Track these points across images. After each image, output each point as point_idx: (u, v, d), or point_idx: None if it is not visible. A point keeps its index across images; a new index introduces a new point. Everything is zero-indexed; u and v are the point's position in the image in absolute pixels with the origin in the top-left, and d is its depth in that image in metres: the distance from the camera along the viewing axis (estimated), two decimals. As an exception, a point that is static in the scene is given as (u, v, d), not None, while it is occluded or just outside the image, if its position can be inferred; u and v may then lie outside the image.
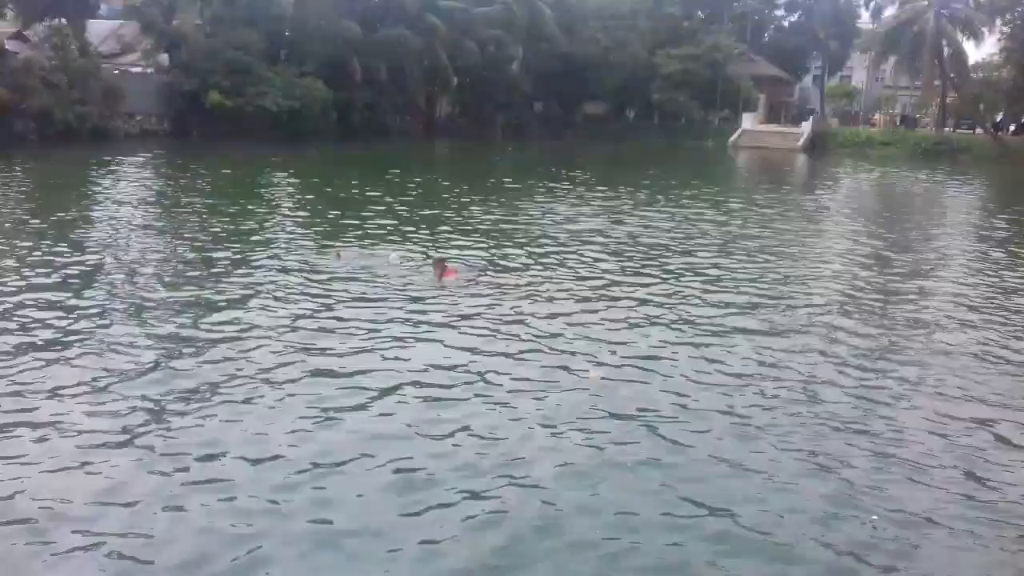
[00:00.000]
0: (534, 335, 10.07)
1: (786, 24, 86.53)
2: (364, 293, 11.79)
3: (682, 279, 13.81)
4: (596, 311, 11.41)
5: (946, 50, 60.57)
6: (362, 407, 7.67)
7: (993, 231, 22.63)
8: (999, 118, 67.96)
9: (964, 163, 51.44)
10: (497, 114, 62.09)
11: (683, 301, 12.22)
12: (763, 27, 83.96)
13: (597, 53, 63.91)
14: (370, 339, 9.66)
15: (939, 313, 12.27)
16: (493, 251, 15.54)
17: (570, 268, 14.29)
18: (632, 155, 47.33)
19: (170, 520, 5.65)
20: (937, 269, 16.27)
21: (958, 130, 65.70)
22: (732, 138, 58.78)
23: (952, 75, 61.88)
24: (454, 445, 6.95)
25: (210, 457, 6.58)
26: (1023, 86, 56.76)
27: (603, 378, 8.63)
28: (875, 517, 5.99)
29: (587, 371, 8.78)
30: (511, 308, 11.29)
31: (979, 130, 63.61)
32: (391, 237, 16.55)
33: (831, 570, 5.39)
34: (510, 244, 16.36)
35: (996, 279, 15.15)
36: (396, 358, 9.05)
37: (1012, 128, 66.60)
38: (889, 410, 8.12)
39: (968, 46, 62.34)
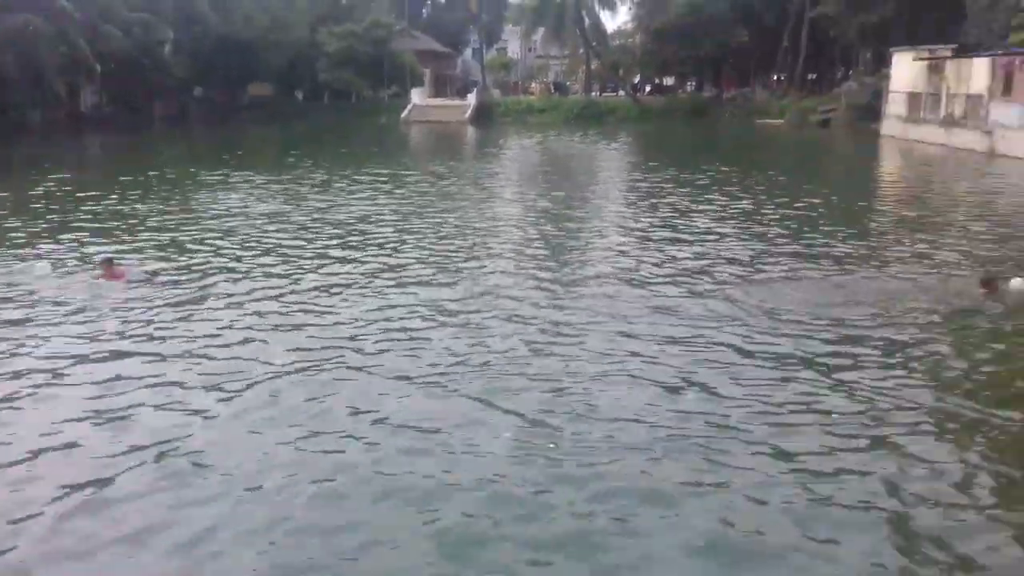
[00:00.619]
0: (216, 327, 9.63)
1: (442, 0, 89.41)
2: (4, 309, 10.47)
3: (366, 251, 13.92)
4: (283, 293, 11.14)
5: (586, 20, 66.05)
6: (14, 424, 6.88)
7: (636, 182, 25.29)
8: (636, 81, 75.66)
9: (611, 124, 56.61)
10: (153, 101, 57.80)
11: (370, 272, 12.35)
12: (420, 3, 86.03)
13: (257, 33, 61.54)
14: (24, 356, 8.63)
15: (597, 253, 13.58)
16: (164, 247, 14.52)
17: (251, 254, 13.78)
18: (305, 135, 46.41)
19: None
20: (594, 218, 17.88)
21: (604, 94, 72.24)
22: (403, 114, 59.67)
23: (594, 43, 67.65)
24: (130, 451, 6.49)
25: None
26: (653, 50, 63.61)
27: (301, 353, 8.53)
28: (552, 445, 6.49)
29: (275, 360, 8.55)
30: (190, 303, 10.67)
31: (621, 93, 70.32)
32: (38, 244, 14.80)
33: (525, 503, 5.76)
34: (182, 238, 15.38)
35: (642, 223, 16.97)
36: (62, 370, 8.19)
37: (648, 89, 74.54)
38: (560, 348, 8.83)
39: (605, 16, 68.66)
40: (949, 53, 38.62)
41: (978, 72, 34.90)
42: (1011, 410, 7.22)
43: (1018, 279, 10.78)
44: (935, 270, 12.46)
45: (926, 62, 39.57)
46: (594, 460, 6.24)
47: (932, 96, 38.86)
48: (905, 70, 41.49)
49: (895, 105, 42.55)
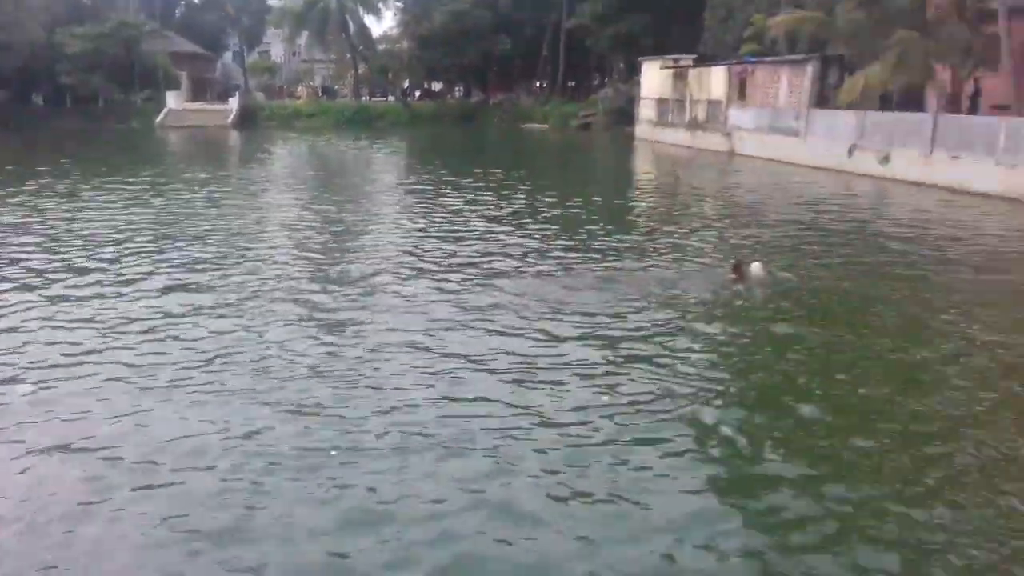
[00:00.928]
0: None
1: (197, 1, 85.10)
2: None
3: (122, 263, 12.88)
4: (24, 309, 10.05)
5: (351, 25, 65.44)
6: None
7: (411, 185, 25.40)
8: (406, 86, 75.97)
9: (381, 128, 56.46)
10: None
11: (127, 281, 11.49)
12: (173, 3, 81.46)
13: (-18, 34, 55.47)
14: None
15: (375, 253, 13.45)
16: None
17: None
18: (45, 143, 42.37)
19: None
20: (370, 221, 17.72)
21: (373, 98, 71.86)
22: (159, 119, 56.17)
23: (360, 48, 67.16)
24: None
25: None
26: (420, 56, 64.14)
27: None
28: (333, 452, 6.31)
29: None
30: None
31: (391, 97, 70.36)
32: None
33: (295, 507, 5.57)
34: None
35: (419, 224, 17.04)
36: None
37: (418, 94, 75.07)
38: (342, 348, 8.64)
39: (371, 21, 68.34)
40: (691, 62, 41.98)
41: (716, 79, 38.20)
42: (756, 376, 7.94)
43: (757, 264, 11.86)
44: (689, 259, 13.46)
45: (671, 70, 42.76)
46: (377, 464, 6.10)
47: (678, 102, 42.07)
48: (654, 78, 44.62)
49: (646, 110, 45.66)
